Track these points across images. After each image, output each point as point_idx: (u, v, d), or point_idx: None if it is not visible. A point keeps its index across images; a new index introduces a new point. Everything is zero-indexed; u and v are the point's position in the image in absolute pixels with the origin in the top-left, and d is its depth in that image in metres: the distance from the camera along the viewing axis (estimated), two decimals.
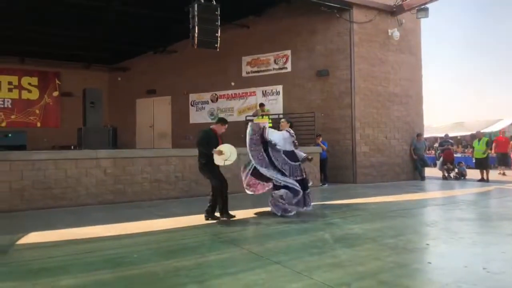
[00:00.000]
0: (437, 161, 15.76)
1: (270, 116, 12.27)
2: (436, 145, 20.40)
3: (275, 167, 6.53)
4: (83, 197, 7.74)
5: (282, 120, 7.33)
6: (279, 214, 6.40)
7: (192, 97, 15.15)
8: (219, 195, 6.12)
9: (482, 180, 12.28)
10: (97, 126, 10.07)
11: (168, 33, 14.24)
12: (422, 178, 12.81)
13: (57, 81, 16.51)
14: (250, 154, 6.52)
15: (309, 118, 12.15)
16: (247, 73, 13.97)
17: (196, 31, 8.93)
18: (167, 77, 15.56)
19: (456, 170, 13.65)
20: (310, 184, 6.95)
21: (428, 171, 13.80)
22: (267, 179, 6.75)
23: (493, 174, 14.04)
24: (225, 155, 6.06)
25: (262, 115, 12.20)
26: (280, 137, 6.73)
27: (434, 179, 13.10)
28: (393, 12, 12.43)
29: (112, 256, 4.24)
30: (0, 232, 5.39)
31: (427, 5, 11.76)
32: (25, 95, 15.97)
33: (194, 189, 8.79)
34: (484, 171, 12.43)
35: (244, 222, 6.17)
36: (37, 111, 16.13)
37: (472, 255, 4.35)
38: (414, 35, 13.34)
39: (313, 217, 6.34)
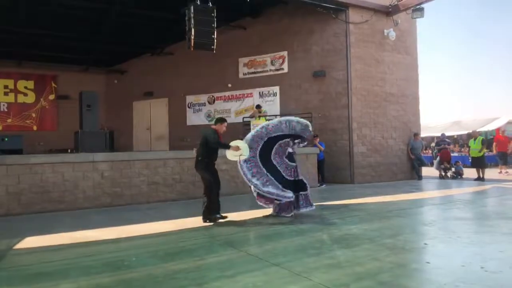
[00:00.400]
0: (434, 161, 15.79)
1: (267, 117, 12.29)
2: (433, 144, 20.44)
3: (269, 169, 6.55)
4: (80, 201, 7.72)
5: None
6: (276, 211, 6.41)
7: (189, 99, 15.14)
8: (215, 196, 6.14)
9: (478, 179, 12.33)
10: (94, 129, 10.02)
11: (165, 35, 14.25)
12: (419, 177, 12.85)
13: (53, 84, 16.47)
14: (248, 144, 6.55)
15: (306, 119, 12.11)
16: (244, 74, 13.98)
17: (193, 33, 8.94)
18: (164, 79, 15.55)
19: (453, 169, 13.70)
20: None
21: (425, 171, 13.83)
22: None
23: (494, 173, 14.12)
24: (242, 150, 6.34)
25: (259, 117, 12.21)
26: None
27: (431, 179, 13.14)
28: (388, 12, 12.47)
29: (110, 260, 4.23)
30: None
31: (423, 5, 11.80)
32: (21, 98, 15.93)
33: (191, 191, 8.77)
34: (480, 170, 12.49)
35: (241, 224, 6.17)
36: (34, 115, 16.09)
37: (470, 254, 4.36)
38: (410, 35, 13.39)
39: (311, 218, 6.34)
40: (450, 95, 48.28)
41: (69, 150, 12.21)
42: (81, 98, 10.09)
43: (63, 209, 7.45)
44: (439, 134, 17.26)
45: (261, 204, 6.67)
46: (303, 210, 6.61)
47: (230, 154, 6.49)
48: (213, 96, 14.62)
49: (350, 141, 11.81)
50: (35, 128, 16.05)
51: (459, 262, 4.01)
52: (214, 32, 9.20)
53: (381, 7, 12.38)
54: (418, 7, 11.82)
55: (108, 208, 7.76)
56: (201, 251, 4.57)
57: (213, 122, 6.66)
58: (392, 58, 12.72)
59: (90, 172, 7.88)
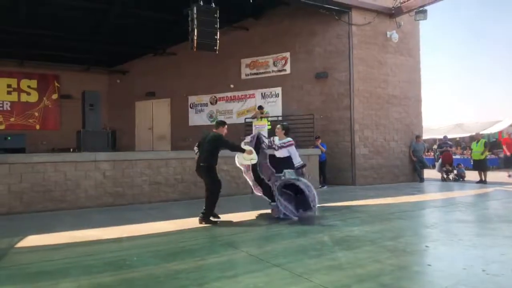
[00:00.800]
0: (436, 163, 15.78)
1: (269, 118, 12.30)
2: (435, 146, 20.42)
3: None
4: (82, 200, 7.73)
5: (278, 126, 6.90)
6: (281, 216, 6.39)
7: (191, 99, 15.16)
8: (214, 197, 6.16)
9: (481, 181, 12.30)
10: (96, 129, 10.07)
11: (167, 35, 14.27)
12: (421, 180, 12.82)
13: (56, 84, 16.51)
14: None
15: (308, 120, 12.17)
16: (246, 75, 13.99)
17: (195, 34, 8.95)
18: (166, 79, 15.58)
19: (455, 171, 13.68)
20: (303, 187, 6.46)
21: (427, 173, 13.81)
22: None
23: (496, 176, 14.06)
24: (254, 154, 6.45)
25: (261, 118, 12.22)
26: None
27: (433, 181, 13.12)
28: (391, 14, 12.47)
29: (112, 259, 4.24)
30: None
31: (426, 7, 11.79)
32: (24, 97, 15.97)
33: (193, 191, 8.78)
34: (482, 172, 12.46)
35: (243, 224, 6.17)
36: (36, 114, 16.13)
37: (471, 257, 4.35)
38: (413, 37, 13.38)
39: (312, 220, 6.33)
40: (451, 95, 48.20)
41: (71, 150, 12.27)
42: (84, 98, 10.13)
43: (64, 208, 7.47)
44: (441, 137, 17.23)
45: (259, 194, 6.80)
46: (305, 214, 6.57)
47: (241, 158, 6.54)
48: (215, 97, 14.64)
49: (352, 143, 11.81)
50: (38, 127, 16.09)
51: (460, 265, 4.00)
52: (217, 33, 9.21)
53: (384, 9, 12.38)
54: (421, 9, 11.80)
55: (110, 208, 7.76)
56: (202, 251, 4.58)
57: (214, 124, 6.68)
58: (394, 60, 12.71)
59: (92, 171, 7.89)
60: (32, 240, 5.12)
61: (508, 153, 15.28)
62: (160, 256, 4.38)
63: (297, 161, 6.51)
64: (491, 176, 13.51)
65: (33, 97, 16.13)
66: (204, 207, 6.14)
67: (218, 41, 9.25)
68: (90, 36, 13.82)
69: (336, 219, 6.43)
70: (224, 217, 6.36)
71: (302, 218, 6.30)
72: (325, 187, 11.12)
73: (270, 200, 6.62)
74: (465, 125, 23.56)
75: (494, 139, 21.51)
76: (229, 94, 14.34)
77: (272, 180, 6.55)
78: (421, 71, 13.56)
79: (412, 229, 5.97)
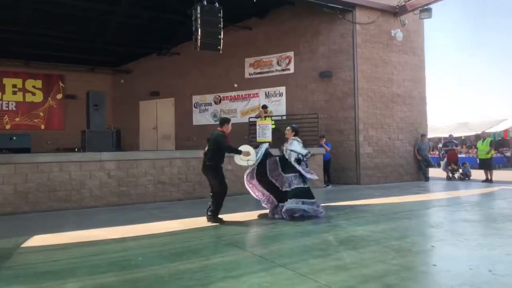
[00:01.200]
0: (441, 162, 15.69)
1: (273, 118, 12.29)
2: (440, 145, 20.30)
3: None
4: (87, 200, 7.76)
5: (288, 128, 7.00)
6: (285, 216, 6.38)
7: (195, 98, 15.17)
8: (221, 198, 6.16)
9: (486, 180, 12.22)
10: (101, 129, 10.09)
11: (171, 35, 14.29)
12: (426, 179, 12.76)
13: (61, 84, 16.57)
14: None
15: (312, 119, 12.14)
16: (250, 74, 13.98)
17: (199, 34, 8.96)
18: (170, 79, 15.60)
19: (460, 170, 13.60)
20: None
21: (432, 172, 13.74)
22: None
23: (502, 175, 13.95)
24: (251, 155, 6.46)
25: (265, 117, 12.21)
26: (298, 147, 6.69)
27: (438, 180, 13.05)
28: (396, 13, 12.40)
29: (117, 259, 4.25)
30: (5, 235, 5.42)
31: (430, 6, 11.72)
32: (29, 97, 16.04)
33: (198, 191, 8.80)
34: (488, 171, 12.38)
35: (247, 224, 6.17)
36: (41, 114, 16.20)
37: (477, 257, 4.32)
38: (417, 36, 13.30)
39: (317, 219, 6.33)
40: (455, 94, 47.89)
41: (76, 149, 12.30)
42: (88, 98, 10.15)
43: (70, 208, 7.51)
44: (446, 135, 17.15)
45: (250, 191, 6.78)
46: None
47: (238, 159, 6.56)
48: (219, 96, 14.64)
49: (356, 142, 11.77)
50: (43, 127, 16.16)
51: (466, 265, 3.97)
52: (220, 33, 9.21)
53: (388, 7, 12.32)
54: (426, 7, 11.73)
55: (115, 207, 7.79)
56: (206, 251, 4.58)
57: (218, 122, 6.69)
58: (399, 58, 12.65)
59: (97, 171, 7.92)
60: (38, 240, 5.14)
61: None
62: (165, 256, 4.39)
63: (303, 152, 6.55)
64: (497, 175, 13.41)
65: (38, 97, 16.20)
66: (210, 206, 6.15)
67: (222, 41, 9.25)
68: (95, 37, 13.86)
69: (341, 219, 6.41)
70: (229, 217, 6.35)
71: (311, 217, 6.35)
72: (330, 186, 11.10)
73: (277, 203, 6.59)
74: (470, 124, 23.42)
75: (500, 138, 21.37)
76: (233, 93, 14.34)
77: (280, 180, 6.57)
78: (425, 69, 13.50)
79: (417, 228, 5.94)
